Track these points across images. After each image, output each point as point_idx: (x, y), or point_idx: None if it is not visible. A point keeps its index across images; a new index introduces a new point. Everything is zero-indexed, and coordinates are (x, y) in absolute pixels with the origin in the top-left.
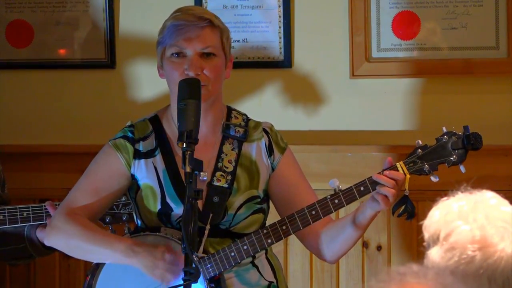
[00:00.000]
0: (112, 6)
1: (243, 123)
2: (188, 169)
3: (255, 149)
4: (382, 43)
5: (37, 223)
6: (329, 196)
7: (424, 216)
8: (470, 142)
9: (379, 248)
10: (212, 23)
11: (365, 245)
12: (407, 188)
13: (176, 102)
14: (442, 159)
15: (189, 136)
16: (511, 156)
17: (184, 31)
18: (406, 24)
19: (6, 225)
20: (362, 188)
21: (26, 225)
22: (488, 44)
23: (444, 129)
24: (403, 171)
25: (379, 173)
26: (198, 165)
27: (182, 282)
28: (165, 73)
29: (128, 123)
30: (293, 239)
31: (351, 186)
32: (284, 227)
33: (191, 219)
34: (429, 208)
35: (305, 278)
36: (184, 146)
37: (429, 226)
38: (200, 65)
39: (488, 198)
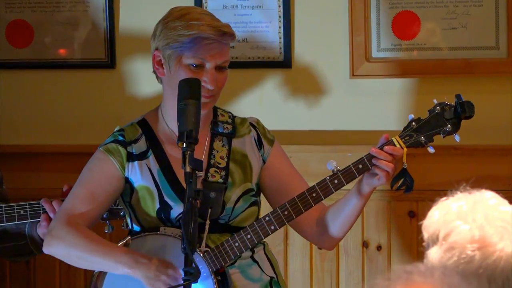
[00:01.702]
0: (112, 6)
1: (229, 120)
2: (188, 169)
3: (245, 143)
4: (382, 43)
5: (38, 220)
6: (328, 177)
7: (423, 216)
8: (464, 111)
9: (379, 248)
10: (233, 39)
11: (365, 245)
12: (405, 161)
13: (176, 103)
14: (437, 130)
15: (189, 136)
16: (511, 156)
17: (210, 47)
18: (406, 24)
19: (3, 223)
20: (360, 166)
21: (27, 223)
22: (488, 44)
23: (435, 101)
24: (399, 145)
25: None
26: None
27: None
28: (176, 77)
29: (117, 128)
30: (293, 239)
31: (349, 165)
32: (286, 212)
33: (191, 219)
34: (428, 208)
35: (305, 278)
36: (184, 146)
37: (428, 226)
38: (216, 78)
39: (487, 198)
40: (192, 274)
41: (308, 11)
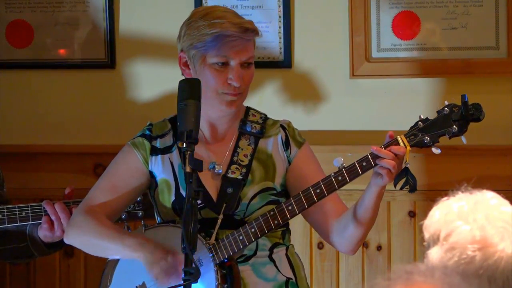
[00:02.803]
0: (112, 6)
1: (260, 121)
2: (188, 169)
3: (272, 143)
4: (382, 43)
5: (38, 222)
6: (333, 174)
7: (424, 216)
8: (468, 112)
9: (379, 248)
10: (257, 35)
11: (365, 245)
12: (407, 160)
13: (205, 104)
14: (443, 130)
15: (189, 136)
16: (511, 156)
17: (233, 44)
18: (406, 24)
19: (5, 224)
20: (364, 164)
21: (28, 224)
22: (488, 44)
23: (446, 102)
24: (404, 144)
25: (380, 147)
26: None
27: (182, 282)
28: (201, 77)
29: (148, 123)
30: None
31: (354, 162)
32: (290, 207)
33: (191, 219)
34: (429, 208)
35: None
36: (184, 146)
37: (429, 226)
38: (242, 75)
39: (488, 198)
40: (192, 274)
41: (308, 11)
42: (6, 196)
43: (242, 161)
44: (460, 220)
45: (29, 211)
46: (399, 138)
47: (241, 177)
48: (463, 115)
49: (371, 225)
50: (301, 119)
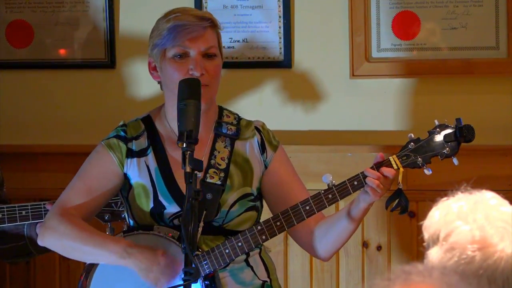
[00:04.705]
0: (112, 6)
1: (235, 122)
2: (188, 169)
3: (248, 147)
4: (382, 43)
5: (36, 222)
6: (322, 191)
7: (424, 216)
8: (462, 135)
9: (379, 248)
10: (213, 23)
11: (365, 245)
12: (400, 182)
13: (176, 103)
14: (435, 152)
15: (189, 136)
16: (511, 156)
17: (188, 32)
18: (406, 24)
19: (5, 224)
20: (355, 183)
21: (25, 224)
22: (488, 44)
23: (436, 122)
24: (396, 164)
25: (371, 167)
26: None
27: (181, 282)
28: (165, 74)
29: (121, 123)
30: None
31: (344, 181)
32: (278, 223)
33: (191, 219)
34: (429, 208)
35: (305, 278)
36: (184, 146)
37: (429, 226)
38: (204, 65)
39: (488, 199)
40: (192, 274)
41: (308, 11)
42: (5, 197)
43: (220, 164)
44: (459, 220)
45: (29, 210)
46: (391, 159)
47: (220, 183)
48: (457, 138)
49: (351, 236)
50: (301, 119)
